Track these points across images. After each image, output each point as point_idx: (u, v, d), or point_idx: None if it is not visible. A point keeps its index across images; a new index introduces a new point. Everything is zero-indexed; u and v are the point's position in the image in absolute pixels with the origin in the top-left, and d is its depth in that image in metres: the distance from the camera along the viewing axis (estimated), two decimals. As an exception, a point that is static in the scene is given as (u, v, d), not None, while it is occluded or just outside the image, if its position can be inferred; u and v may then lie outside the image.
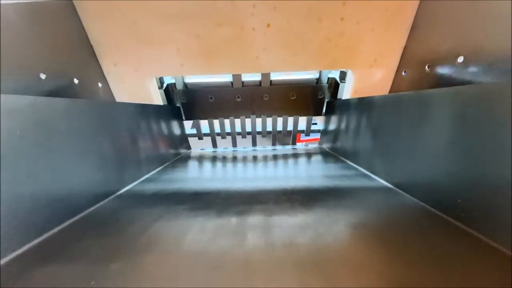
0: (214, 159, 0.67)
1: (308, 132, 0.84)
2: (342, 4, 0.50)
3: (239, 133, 0.82)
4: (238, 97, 0.73)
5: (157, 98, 0.64)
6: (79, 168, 0.33)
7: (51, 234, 0.27)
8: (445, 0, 0.45)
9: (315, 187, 0.42)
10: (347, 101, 0.61)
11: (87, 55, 0.52)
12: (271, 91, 0.72)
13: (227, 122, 0.80)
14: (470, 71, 0.40)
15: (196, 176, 0.51)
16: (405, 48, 0.56)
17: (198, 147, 0.84)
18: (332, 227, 0.28)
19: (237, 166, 0.58)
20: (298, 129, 0.83)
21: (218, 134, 0.82)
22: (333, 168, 0.54)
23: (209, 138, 0.82)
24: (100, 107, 0.39)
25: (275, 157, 0.66)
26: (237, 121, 0.79)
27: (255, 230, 0.28)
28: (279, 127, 0.82)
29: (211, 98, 0.74)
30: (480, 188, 0.26)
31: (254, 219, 0.30)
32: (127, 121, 0.47)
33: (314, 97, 0.74)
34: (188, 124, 0.82)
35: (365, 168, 0.50)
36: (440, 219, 0.29)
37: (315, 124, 0.86)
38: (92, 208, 0.34)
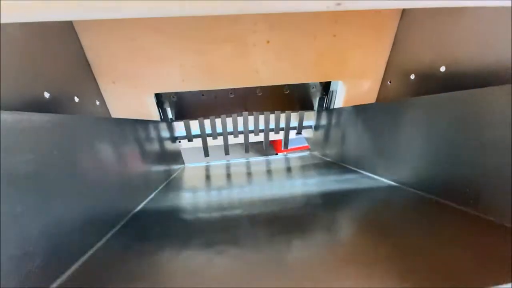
0: (214, 180, 0.67)
1: (300, 129, 0.86)
2: (335, 22, 0.55)
3: (230, 133, 0.81)
4: (231, 93, 0.73)
5: (155, 115, 0.63)
6: (102, 190, 0.32)
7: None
8: (423, 19, 0.51)
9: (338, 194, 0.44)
10: (342, 109, 0.65)
11: (85, 74, 0.51)
12: (264, 86, 0.72)
13: (218, 121, 0.78)
14: (452, 79, 0.46)
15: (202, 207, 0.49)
16: (388, 60, 0.62)
17: (190, 158, 0.83)
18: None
19: (243, 188, 0.57)
20: (290, 126, 0.84)
21: (209, 135, 0.80)
22: (338, 174, 0.57)
23: (199, 142, 0.80)
24: (119, 124, 0.38)
25: (278, 172, 0.67)
26: (229, 120, 0.78)
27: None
28: (271, 125, 0.82)
29: (203, 95, 0.73)
30: (485, 179, 0.29)
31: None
32: (137, 138, 0.46)
33: (307, 91, 0.77)
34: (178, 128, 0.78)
35: (368, 171, 0.54)
36: (450, 206, 0.33)
37: (299, 134, 0.89)
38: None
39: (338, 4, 0.23)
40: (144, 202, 0.45)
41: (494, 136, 0.29)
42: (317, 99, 0.79)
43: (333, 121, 0.71)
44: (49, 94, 0.39)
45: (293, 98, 0.77)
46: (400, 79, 0.59)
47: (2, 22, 0.19)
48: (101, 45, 0.50)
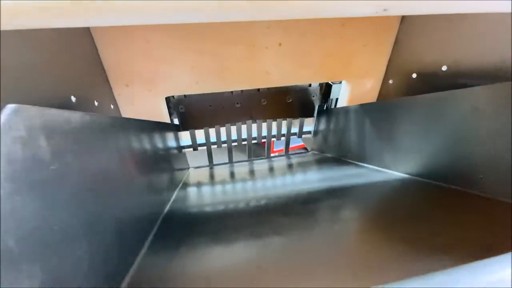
0: (226, 180, 0.68)
1: (300, 134, 0.90)
2: (342, 25, 0.58)
3: (234, 140, 0.83)
4: (238, 103, 0.75)
5: (167, 118, 0.63)
6: (142, 192, 0.33)
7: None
8: (424, 21, 0.55)
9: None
10: (348, 108, 0.68)
11: (101, 78, 0.51)
12: (268, 95, 0.76)
13: (222, 130, 0.80)
14: (453, 77, 0.50)
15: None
16: (389, 60, 0.66)
17: (193, 162, 0.83)
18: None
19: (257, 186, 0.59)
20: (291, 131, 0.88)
21: (213, 143, 0.81)
22: (348, 169, 0.59)
23: (204, 150, 0.81)
24: (150, 125, 0.39)
25: (284, 171, 0.69)
26: (233, 128, 0.80)
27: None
28: (274, 131, 0.85)
29: (210, 105, 0.74)
30: (498, 166, 0.33)
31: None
32: (160, 141, 0.46)
33: (308, 99, 0.80)
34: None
35: (376, 165, 0.57)
36: (462, 191, 0.36)
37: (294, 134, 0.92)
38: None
39: (385, 10, 0.25)
40: (169, 204, 0.46)
41: (500, 126, 0.32)
42: (317, 106, 0.83)
43: (337, 120, 0.74)
44: (75, 98, 0.39)
45: (295, 106, 0.80)
46: (402, 78, 0.63)
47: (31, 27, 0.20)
48: (116, 48, 0.50)
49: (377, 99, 0.71)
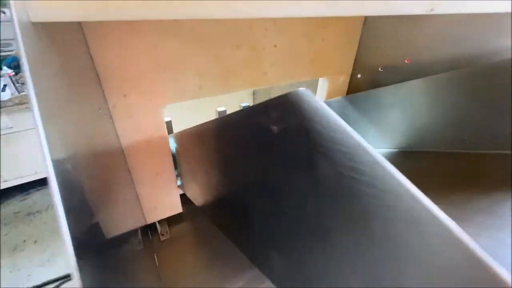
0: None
1: None
2: (323, 28, 0.65)
3: None
4: None
5: (164, 130, 0.58)
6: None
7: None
8: (383, 22, 0.67)
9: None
10: (335, 100, 0.75)
11: (95, 87, 0.43)
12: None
13: None
14: (415, 69, 0.63)
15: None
16: (356, 57, 0.77)
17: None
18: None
19: None
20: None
21: None
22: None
23: None
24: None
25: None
26: None
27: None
28: None
29: None
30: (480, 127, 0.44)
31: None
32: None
33: None
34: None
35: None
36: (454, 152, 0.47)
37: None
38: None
39: (432, 9, 0.31)
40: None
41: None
42: None
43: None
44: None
45: None
46: (369, 72, 0.75)
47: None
48: (116, 56, 0.44)
49: (347, 92, 0.82)
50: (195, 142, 0.46)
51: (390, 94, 0.61)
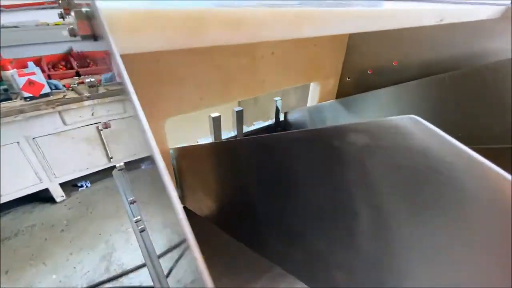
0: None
1: None
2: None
3: None
4: None
5: (165, 143, 0.56)
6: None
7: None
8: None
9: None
10: (327, 104, 0.77)
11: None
12: None
13: None
14: (403, 71, 0.67)
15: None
16: (344, 62, 0.79)
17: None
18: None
19: None
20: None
21: None
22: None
23: None
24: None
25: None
26: None
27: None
28: None
29: None
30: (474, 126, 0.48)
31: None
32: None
33: None
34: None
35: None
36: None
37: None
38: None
39: (441, 20, 0.33)
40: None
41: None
42: None
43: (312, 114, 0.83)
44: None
45: None
46: (358, 75, 0.78)
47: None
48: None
49: (337, 95, 0.85)
50: (219, 158, 0.44)
51: (382, 96, 0.64)
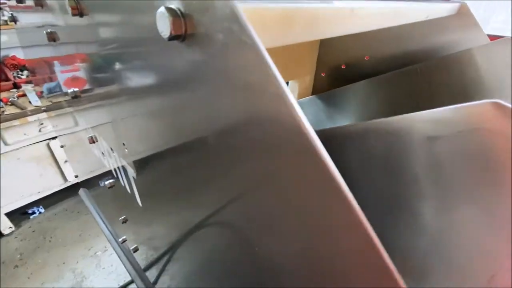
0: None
1: None
2: (295, 32, 0.68)
3: None
4: None
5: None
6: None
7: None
8: (342, 27, 0.74)
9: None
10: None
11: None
12: None
13: None
14: (375, 65, 0.72)
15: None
16: (318, 58, 0.83)
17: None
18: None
19: None
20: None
21: None
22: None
23: None
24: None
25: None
26: None
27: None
28: None
29: None
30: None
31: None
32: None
33: None
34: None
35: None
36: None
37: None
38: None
39: (427, 16, 0.37)
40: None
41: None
42: None
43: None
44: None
45: None
46: (332, 70, 0.82)
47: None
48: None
49: (313, 90, 0.88)
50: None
51: (359, 89, 0.68)
